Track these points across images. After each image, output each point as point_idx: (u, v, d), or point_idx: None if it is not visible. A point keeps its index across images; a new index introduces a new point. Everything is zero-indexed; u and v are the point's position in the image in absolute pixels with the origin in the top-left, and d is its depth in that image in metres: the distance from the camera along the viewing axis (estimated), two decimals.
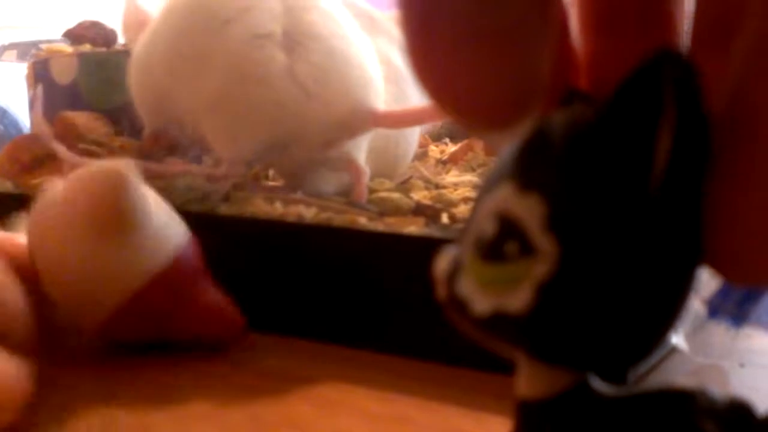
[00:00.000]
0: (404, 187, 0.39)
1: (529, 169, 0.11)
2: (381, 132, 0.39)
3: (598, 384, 0.11)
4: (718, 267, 0.10)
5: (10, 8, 1.55)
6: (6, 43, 1.30)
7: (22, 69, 1.21)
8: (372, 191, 0.37)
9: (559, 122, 0.11)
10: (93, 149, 0.41)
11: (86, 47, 0.54)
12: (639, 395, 0.11)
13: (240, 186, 0.37)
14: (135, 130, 0.44)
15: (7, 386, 0.24)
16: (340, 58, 0.37)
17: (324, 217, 0.33)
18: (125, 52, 0.45)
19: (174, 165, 0.39)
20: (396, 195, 0.36)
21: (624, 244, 0.10)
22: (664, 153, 0.10)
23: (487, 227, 0.11)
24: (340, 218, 0.32)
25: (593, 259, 0.10)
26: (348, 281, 0.31)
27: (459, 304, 0.11)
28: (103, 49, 0.53)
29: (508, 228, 0.11)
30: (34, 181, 0.41)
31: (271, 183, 0.41)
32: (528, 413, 0.12)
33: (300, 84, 0.36)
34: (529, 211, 0.10)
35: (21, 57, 1.30)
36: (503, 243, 0.11)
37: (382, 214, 0.34)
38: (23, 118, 1.03)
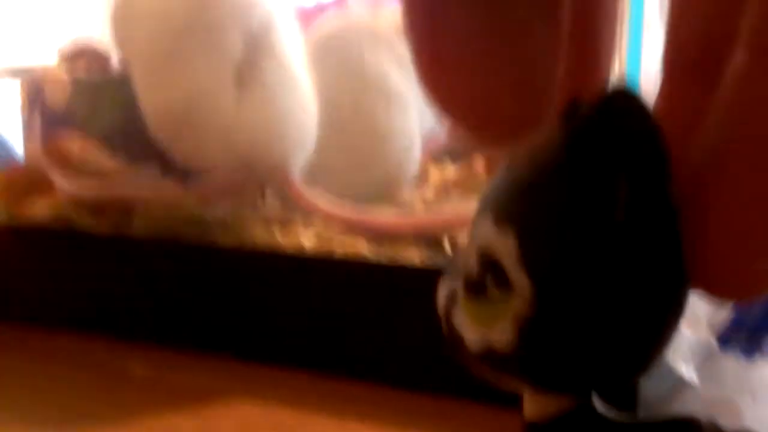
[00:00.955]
0: (405, 212, 0.38)
1: (504, 201, 0.11)
2: (380, 155, 0.39)
3: (601, 407, 0.11)
4: (703, 287, 0.11)
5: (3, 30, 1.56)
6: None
7: (10, 84, 1.21)
8: None
9: (529, 151, 0.11)
10: (89, 178, 0.41)
11: (80, 69, 0.54)
12: (646, 423, 0.12)
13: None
14: (130, 156, 0.44)
15: None
16: (277, 109, 0.38)
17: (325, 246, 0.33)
18: (120, 79, 0.45)
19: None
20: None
21: (594, 276, 0.10)
22: (624, 187, 0.10)
23: (471, 262, 0.11)
24: (340, 245, 0.32)
25: (567, 293, 0.10)
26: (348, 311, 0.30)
27: (456, 338, 0.11)
28: (97, 75, 0.53)
29: (489, 264, 0.11)
30: (28, 211, 0.41)
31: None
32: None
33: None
34: (504, 246, 0.10)
35: (12, 75, 1.30)
36: (485, 278, 0.11)
37: (382, 241, 0.34)
38: (11, 136, 1.03)
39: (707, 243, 0.10)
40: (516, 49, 0.10)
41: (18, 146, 1.05)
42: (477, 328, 0.11)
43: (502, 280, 0.11)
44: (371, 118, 0.39)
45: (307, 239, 0.34)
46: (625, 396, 0.12)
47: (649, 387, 0.23)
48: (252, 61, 0.38)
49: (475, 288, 0.11)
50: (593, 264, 0.10)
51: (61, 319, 0.38)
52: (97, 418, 0.27)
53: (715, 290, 0.11)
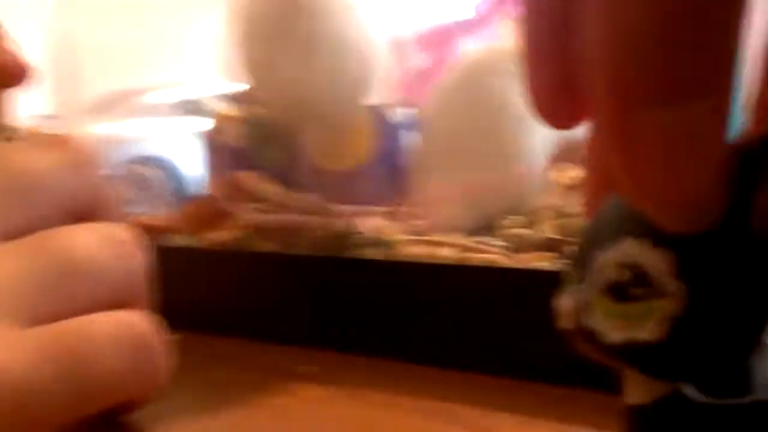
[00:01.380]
0: (532, 220, 0.42)
1: (654, 227, 0.13)
2: (508, 174, 0.43)
3: (691, 392, 0.14)
4: None
5: (172, 67, 1.67)
6: (169, 102, 1.41)
7: (185, 122, 1.30)
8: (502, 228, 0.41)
9: None
10: (263, 207, 0.47)
11: (253, 109, 0.60)
12: (734, 405, 0.14)
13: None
14: (300, 188, 0.49)
15: (157, 346, 0.25)
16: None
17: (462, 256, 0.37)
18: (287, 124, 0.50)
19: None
20: (527, 231, 0.39)
21: (736, 283, 0.13)
22: (766, 214, 0.13)
23: (616, 274, 0.14)
24: (477, 257, 0.36)
25: (713, 297, 0.13)
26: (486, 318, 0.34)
27: (589, 335, 0.14)
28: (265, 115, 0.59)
29: (637, 275, 0.14)
30: (212, 236, 0.48)
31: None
32: (634, 417, 0.15)
33: None
34: (657, 262, 0.13)
35: (185, 112, 1.40)
36: (633, 287, 0.14)
37: (516, 251, 0.37)
38: (186, 169, 1.11)
39: None
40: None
41: (196, 179, 1.14)
42: (621, 325, 0.14)
43: (653, 288, 0.13)
44: (500, 140, 0.42)
45: (448, 250, 0.38)
46: (736, 382, 0.15)
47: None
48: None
49: (621, 295, 0.14)
50: (735, 274, 0.13)
51: (239, 328, 0.43)
52: (269, 406, 0.33)
53: None
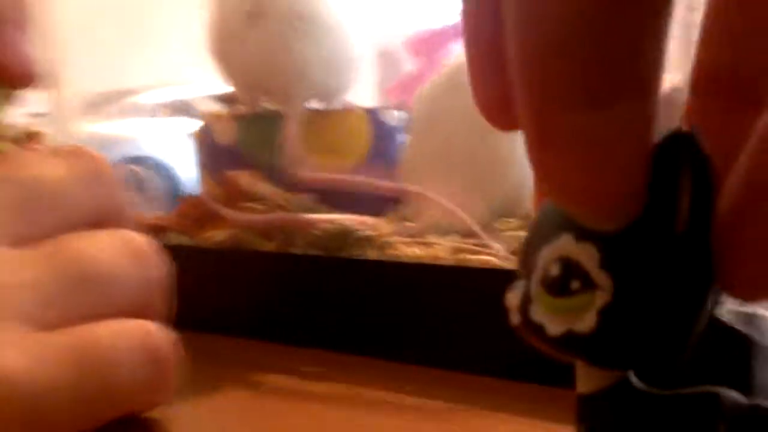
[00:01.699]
0: (527, 222, 0.42)
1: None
2: (504, 178, 0.43)
3: (636, 381, 0.15)
4: (729, 288, 0.14)
5: (158, 68, 1.67)
6: (160, 102, 1.42)
7: (174, 123, 1.31)
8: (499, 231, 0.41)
9: None
10: (256, 206, 0.47)
11: (240, 108, 0.60)
12: (673, 395, 0.15)
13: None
14: (292, 185, 0.50)
15: (171, 357, 0.25)
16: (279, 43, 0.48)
17: (458, 257, 0.37)
18: (277, 114, 0.51)
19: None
20: (522, 233, 0.39)
21: (659, 274, 0.14)
22: (684, 207, 0.13)
23: (553, 269, 0.15)
24: (475, 259, 0.37)
25: (638, 288, 0.14)
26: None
27: (535, 328, 0.15)
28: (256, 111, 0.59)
29: (571, 269, 0.14)
30: (206, 235, 0.48)
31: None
32: (583, 404, 0.16)
33: None
34: (588, 256, 0.14)
35: (173, 113, 1.41)
36: (568, 281, 0.14)
37: (513, 253, 0.37)
38: (179, 169, 1.12)
39: (736, 255, 0.13)
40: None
41: (188, 179, 1.15)
42: (560, 318, 0.14)
43: (586, 281, 0.14)
44: (496, 144, 0.43)
45: (442, 251, 0.38)
46: (671, 374, 0.15)
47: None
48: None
49: (558, 289, 0.15)
50: (657, 266, 0.14)
51: (235, 327, 0.44)
52: (277, 410, 0.33)
53: (738, 293, 0.14)
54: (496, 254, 0.37)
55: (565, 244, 0.15)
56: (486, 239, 0.38)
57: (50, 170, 0.24)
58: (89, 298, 0.23)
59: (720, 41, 0.16)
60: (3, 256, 0.22)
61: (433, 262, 0.37)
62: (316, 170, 0.47)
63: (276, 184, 0.51)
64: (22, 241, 0.23)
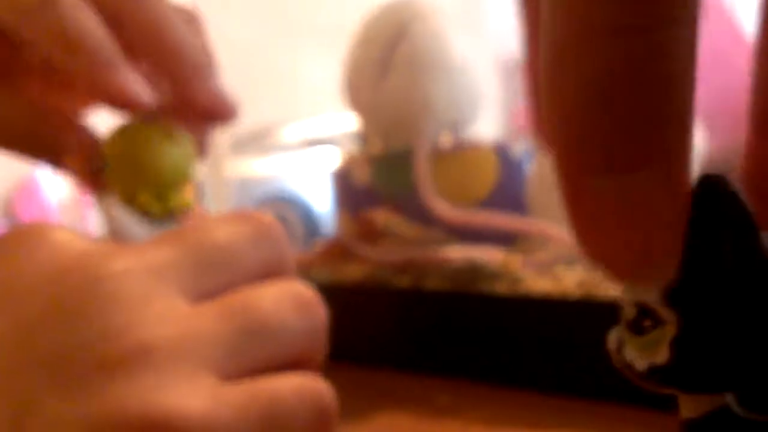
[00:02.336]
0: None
1: None
2: None
3: (737, 408, 0.16)
4: None
5: (299, 105, 1.73)
6: (301, 139, 1.47)
7: (313, 159, 1.34)
8: None
9: None
10: (391, 243, 0.49)
11: (375, 147, 0.62)
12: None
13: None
14: (423, 219, 0.52)
15: (336, 419, 0.26)
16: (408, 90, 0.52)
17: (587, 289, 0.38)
18: (409, 153, 0.53)
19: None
20: None
21: (714, 306, 0.15)
22: (729, 246, 0.15)
23: (630, 312, 0.16)
24: (602, 288, 0.38)
25: (699, 318, 0.15)
26: None
27: (627, 366, 0.17)
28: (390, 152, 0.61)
29: (644, 310, 0.16)
30: (346, 272, 0.50)
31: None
32: (685, 430, 0.17)
33: None
34: (652, 296, 0.16)
35: (315, 150, 1.46)
36: (642, 320, 0.16)
37: None
38: (316, 205, 1.16)
39: None
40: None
41: (325, 215, 1.19)
42: (643, 355, 0.16)
43: (655, 319, 0.16)
44: None
45: (571, 283, 0.39)
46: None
47: None
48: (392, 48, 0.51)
49: (636, 329, 0.16)
50: (712, 298, 0.15)
51: (372, 359, 0.46)
52: None
53: None
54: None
55: (635, 287, 0.16)
56: None
57: (224, 233, 0.26)
58: (264, 349, 0.25)
59: None
60: (185, 310, 0.24)
61: (561, 296, 0.38)
62: (446, 206, 0.49)
63: (410, 220, 0.53)
64: (200, 297, 0.25)
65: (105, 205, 0.31)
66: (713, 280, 0.15)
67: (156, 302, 0.24)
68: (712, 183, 0.15)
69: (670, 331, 0.16)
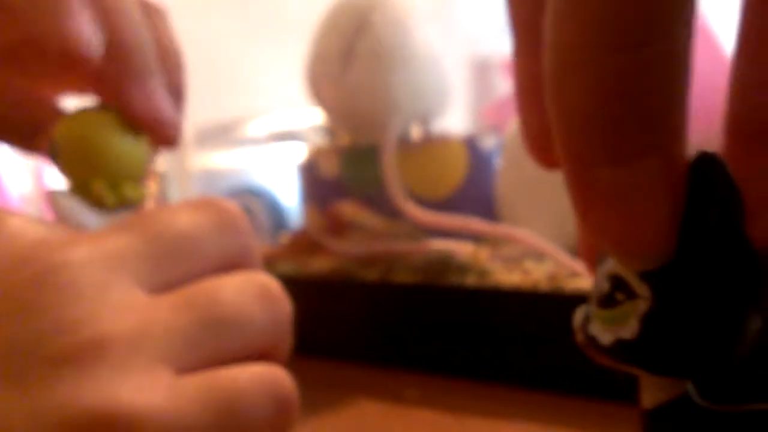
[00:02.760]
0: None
1: None
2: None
3: (697, 397, 0.16)
4: None
5: (265, 97, 1.72)
6: (267, 133, 1.46)
7: (280, 152, 1.34)
8: None
9: None
10: (359, 236, 0.49)
11: (343, 140, 0.62)
12: (739, 412, 0.16)
13: None
14: (391, 212, 0.51)
15: (297, 408, 0.25)
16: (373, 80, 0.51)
17: (554, 283, 0.38)
18: (377, 146, 0.52)
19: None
20: None
21: (688, 283, 0.15)
22: (709, 224, 0.15)
23: (604, 286, 0.17)
24: (569, 282, 0.37)
25: (673, 296, 0.15)
26: None
27: (591, 341, 0.17)
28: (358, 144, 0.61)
29: (618, 283, 0.16)
30: (313, 266, 0.50)
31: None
32: (645, 419, 0.17)
33: None
34: (629, 270, 0.16)
35: (281, 143, 1.45)
36: (615, 293, 0.16)
37: None
38: (282, 198, 1.15)
39: None
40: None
41: (291, 208, 1.18)
42: (610, 329, 0.16)
43: (630, 293, 0.16)
44: None
45: (541, 276, 0.39)
46: (733, 390, 0.16)
47: None
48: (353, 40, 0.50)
49: (607, 302, 0.16)
50: (689, 278, 0.15)
51: (339, 352, 0.45)
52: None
53: None
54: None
55: (614, 263, 0.16)
56: (579, 268, 0.39)
57: (185, 221, 0.25)
58: (224, 342, 0.24)
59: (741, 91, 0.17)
60: (143, 301, 0.23)
61: (531, 289, 0.38)
62: (414, 199, 0.48)
63: (378, 214, 0.52)
64: (159, 288, 0.24)
65: (55, 195, 0.30)
66: (693, 260, 0.15)
67: (112, 293, 0.23)
68: (704, 164, 0.15)
69: (642, 305, 0.16)
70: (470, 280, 0.41)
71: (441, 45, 0.53)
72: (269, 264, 0.52)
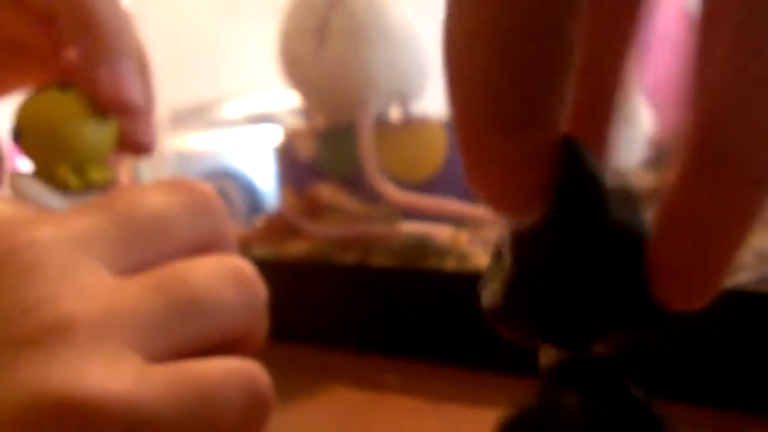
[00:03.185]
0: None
1: None
2: None
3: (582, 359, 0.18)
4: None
5: (240, 79, 1.71)
6: (242, 115, 1.45)
7: (256, 135, 1.33)
8: None
9: None
10: (336, 219, 0.48)
11: (319, 122, 0.61)
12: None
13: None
14: (369, 195, 0.51)
15: (271, 404, 0.24)
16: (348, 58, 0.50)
17: None
18: (354, 127, 0.52)
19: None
20: None
21: (541, 255, 0.16)
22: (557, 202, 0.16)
23: (492, 258, 0.18)
24: None
25: (527, 265, 0.17)
26: None
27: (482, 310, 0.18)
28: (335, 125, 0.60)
29: (500, 254, 0.17)
30: (290, 249, 0.49)
31: None
32: (544, 376, 0.19)
33: None
34: (506, 242, 0.17)
35: (257, 125, 1.44)
36: (494, 256, 0.17)
37: None
38: (258, 181, 1.14)
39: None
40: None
41: (268, 191, 1.17)
42: (488, 294, 0.17)
43: (501, 260, 0.17)
44: None
45: None
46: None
47: None
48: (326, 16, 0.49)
49: (489, 269, 0.17)
50: (539, 246, 0.16)
51: (317, 337, 0.45)
52: (363, 419, 0.34)
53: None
54: None
55: (502, 234, 0.18)
56: None
57: (155, 201, 0.24)
58: (195, 328, 0.23)
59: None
60: (110, 283, 0.23)
61: None
62: (393, 182, 0.48)
63: (355, 196, 0.52)
64: (128, 270, 0.23)
65: (17, 178, 0.29)
66: (554, 231, 0.16)
67: (78, 274, 0.22)
68: (571, 146, 0.17)
69: (506, 275, 0.17)
70: (449, 264, 0.40)
71: (419, 22, 0.52)
72: (245, 247, 0.51)
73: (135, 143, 0.32)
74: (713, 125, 0.16)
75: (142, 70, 0.33)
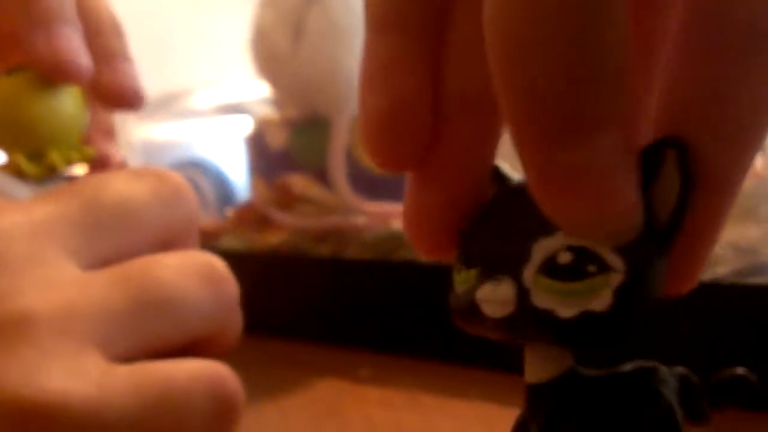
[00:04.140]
0: None
1: None
2: None
3: (582, 369, 0.17)
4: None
5: (210, 69, 1.69)
6: (213, 105, 1.43)
7: (226, 125, 1.32)
8: None
9: None
10: (308, 210, 0.47)
11: (291, 112, 0.61)
12: (615, 374, 0.17)
13: None
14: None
15: (240, 409, 0.23)
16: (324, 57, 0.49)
17: None
18: (327, 119, 0.51)
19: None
20: None
21: (653, 259, 0.15)
22: (674, 211, 0.16)
23: (564, 257, 0.16)
24: None
25: (643, 270, 0.15)
26: None
27: (540, 314, 0.16)
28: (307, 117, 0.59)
29: (585, 255, 0.15)
30: (261, 240, 0.48)
31: None
32: (532, 394, 0.18)
33: None
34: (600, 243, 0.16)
35: (221, 112, 1.42)
36: (583, 266, 0.15)
37: None
38: (229, 172, 1.13)
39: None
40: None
41: (239, 182, 1.16)
42: (573, 302, 0.15)
43: (602, 265, 0.15)
44: None
45: None
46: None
47: None
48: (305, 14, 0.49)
49: (571, 274, 0.16)
50: (653, 252, 0.15)
51: (289, 330, 0.45)
52: (337, 412, 0.33)
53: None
54: None
55: (564, 235, 0.16)
56: None
57: (124, 188, 0.23)
58: (163, 326, 0.22)
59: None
60: (74, 275, 0.21)
61: None
62: (366, 173, 0.47)
63: (328, 188, 0.51)
64: (94, 262, 0.22)
65: None
66: (652, 238, 0.15)
67: (41, 266, 0.21)
68: (668, 143, 0.16)
69: (615, 278, 0.15)
70: (423, 257, 0.40)
71: None
72: (215, 239, 0.50)
73: (119, 94, 0.31)
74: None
75: (101, 29, 0.31)
